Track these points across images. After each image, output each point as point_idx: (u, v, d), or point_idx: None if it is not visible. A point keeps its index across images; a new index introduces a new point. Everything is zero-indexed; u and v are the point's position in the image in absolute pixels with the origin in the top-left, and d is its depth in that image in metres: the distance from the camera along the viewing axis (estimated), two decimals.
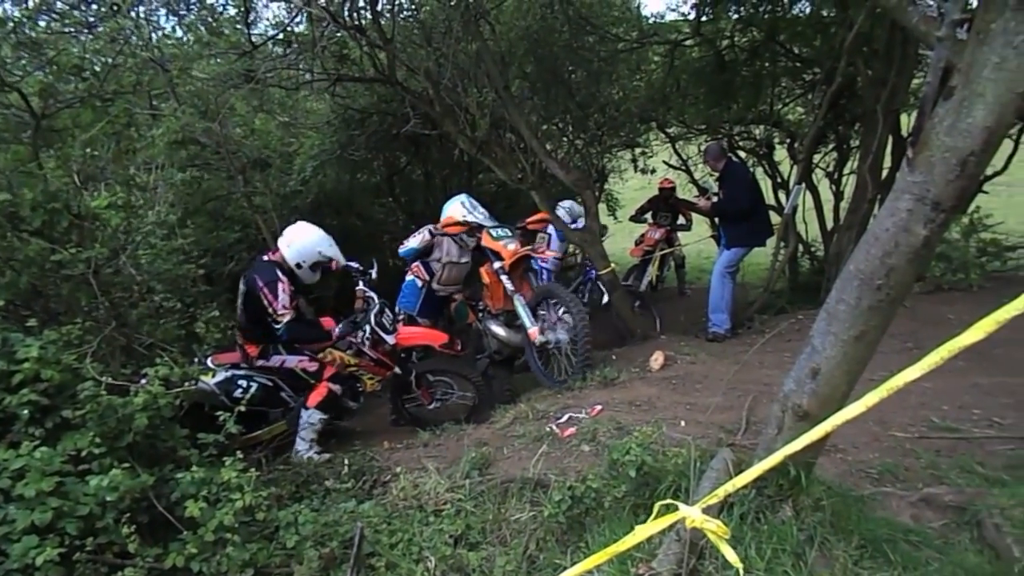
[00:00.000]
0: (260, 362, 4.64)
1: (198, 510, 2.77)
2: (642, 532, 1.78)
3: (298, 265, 4.61)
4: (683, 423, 3.78)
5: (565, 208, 7.24)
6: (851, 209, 6.69)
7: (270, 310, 4.36)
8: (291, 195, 7.44)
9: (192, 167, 6.71)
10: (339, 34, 6.05)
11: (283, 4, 6.14)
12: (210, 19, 6.30)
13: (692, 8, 7.53)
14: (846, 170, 8.31)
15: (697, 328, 6.66)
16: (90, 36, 4.98)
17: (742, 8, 7.41)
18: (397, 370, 5.11)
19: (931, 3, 2.57)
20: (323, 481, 3.83)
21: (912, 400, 3.90)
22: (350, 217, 8.51)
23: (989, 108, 1.80)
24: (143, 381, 3.20)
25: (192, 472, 2.90)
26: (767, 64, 7.91)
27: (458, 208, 5.77)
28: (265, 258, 4.68)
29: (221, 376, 4.52)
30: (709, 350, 5.41)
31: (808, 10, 7.49)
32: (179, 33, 6.57)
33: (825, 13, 7.19)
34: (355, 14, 5.77)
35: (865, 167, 6.35)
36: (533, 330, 5.25)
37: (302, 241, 4.66)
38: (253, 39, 5.96)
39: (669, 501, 1.81)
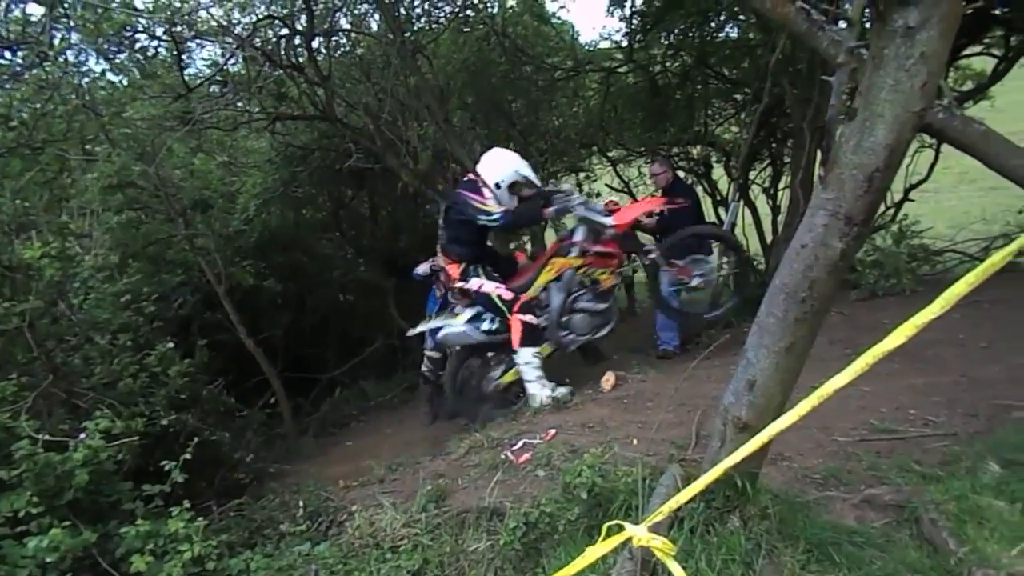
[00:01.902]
0: (459, 284, 4.82)
1: (144, 564, 2.70)
2: (591, 554, 1.81)
3: (497, 185, 4.74)
4: (635, 441, 3.82)
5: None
6: (786, 223, 6.93)
7: (482, 208, 4.57)
8: (235, 235, 7.34)
9: (129, 211, 6.57)
10: (276, 73, 6.06)
11: (218, 45, 6.07)
12: (142, 61, 6.23)
13: (624, 36, 7.76)
14: (781, 185, 8.60)
15: (648, 346, 6.75)
16: (17, 85, 4.88)
17: (672, 34, 7.66)
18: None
19: (838, 28, 2.73)
20: (277, 525, 3.76)
21: (852, 404, 4.02)
22: (297, 254, 8.43)
23: (889, 127, 1.92)
24: (83, 436, 3.11)
25: (137, 526, 2.83)
26: (699, 87, 8.18)
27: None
28: (465, 179, 4.89)
29: (468, 314, 4.80)
30: (659, 367, 5.49)
31: (735, 34, 7.81)
32: (111, 77, 6.49)
33: (751, 36, 7.49)
34: (291, 52, 5.79)
35: (796, 182, 6.60)
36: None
37: (501, 160, 4.85)
38: (188, 80, 5.92)
39: (617, 522, 1.85)
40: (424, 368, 6.48)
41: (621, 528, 1.88)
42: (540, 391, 4.69)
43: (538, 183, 5.03)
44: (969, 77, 8.03)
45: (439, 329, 6.16)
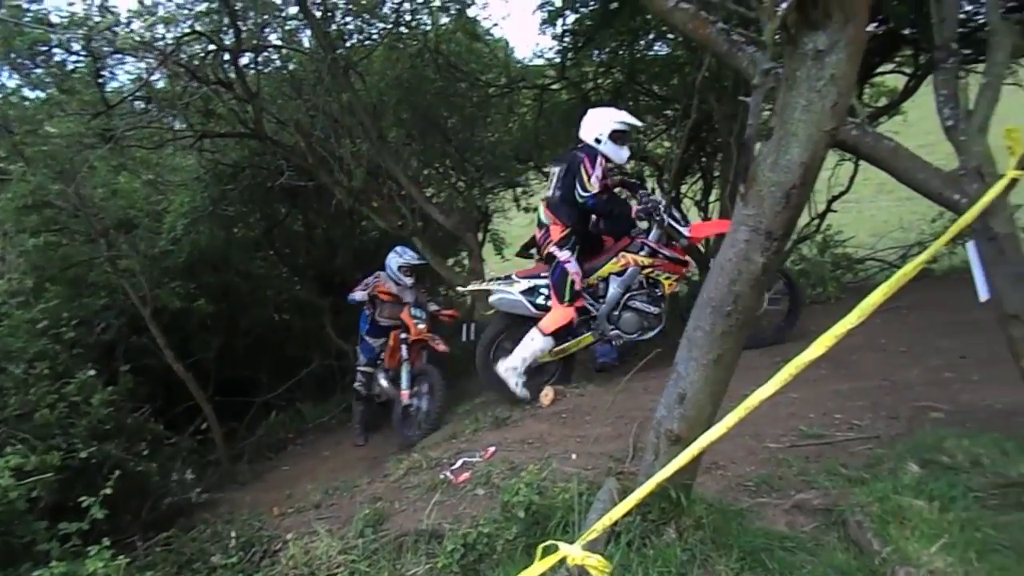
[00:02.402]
0: (552, 248, 4.91)
1: None
2: None
3: (597, 140, 4.88)
4: (574, 456, 3.84)
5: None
6: (717, 237, 7.11)
7: (584, 180, 4.69)
8: (162, 255, 7.08)
9: (47, 232, 6.26)
10: (203, 89, 5.90)
11: (140, 60, 5.87)
12: (60, 76, 5.97)
13: (557, 53, 7.86)
14: (712, 198, 8.84)
15: (586, 360, 6.81)
16: None
17: (603, 52, 7.80)
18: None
19: (755, 50, 2.83)
20: (208, 558, 3.62)
21: (783, 411, 4.14)
22: (229, 274, 8.20)
23: (803, 146, 1.99)
24: None
25: (51, 568, 2.67)
26: (630, 103, 8.32)
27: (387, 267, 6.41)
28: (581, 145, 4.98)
29: (525, 285, 4.93)
30: (597, 381, 5.53)
31: (664, 52, 8.00)
32: (26, 92, 6.20)
33: (679, 54, 7.69)
34: (219, 69, 5.66)
35: (726, 196, 6.79)
36: (405, 392, 6.07)
37: (595, 117, 5.02)
38: (109, 96, 5.71)
39: (551, 541, 1.85)
40: (357, 384, 6.50)
41: (556, 547, 1.87)
42: (515, 373, 4.85)
43: (638, 123, 5.31)
44: (883, 93, 8.45)
45: (379, 338, 6.18)
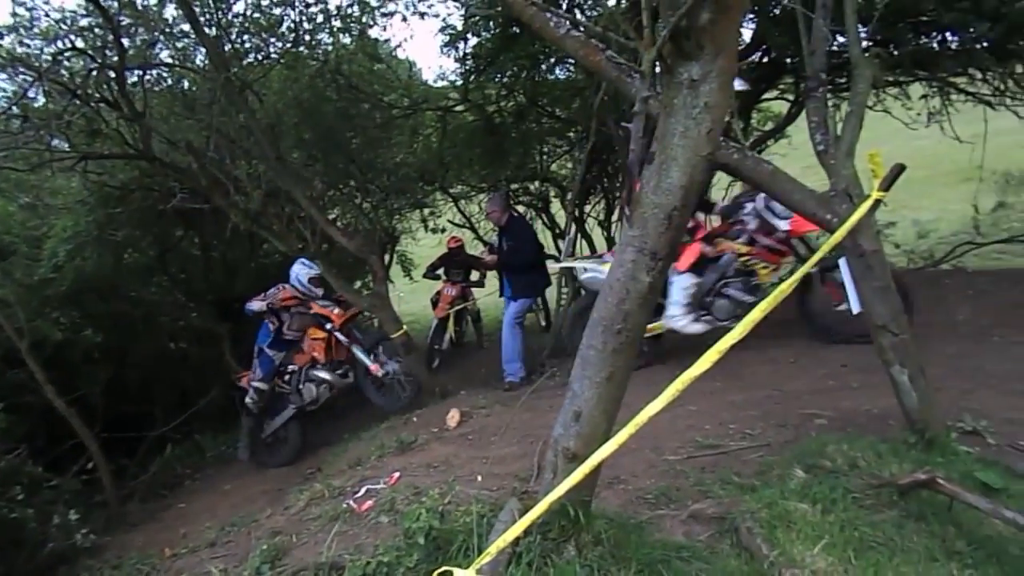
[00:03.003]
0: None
1: None
2: None
3: None
4: (479, 478, 3.83)
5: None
6: None
7: None
8: (41, 284, 6.59)
9: None
10: (85, 108, 5.58)
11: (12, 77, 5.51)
12: None
13: (460, 75, 7.93)
14: (614, 217, 9.11)
15: (496, 379, 6.84)
16: None
17: (505, 75, 7.93)
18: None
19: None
20: None
21: (681, 424, 4.28)
22: (118, 302, 7.73)
23: (682, 170, 2.09)
24: None
25: None
26: (533, 125, 8.53)
27: (293, 279, 6.41)
28: None
29: None
30: (503, 400, 5.57)
31: (563, 76, 8.22)
32: None
33: (579, 78, 7.91)
34: (102, 87, 5.38)
35: (624, 215, 6.99)
36: (374, 366, 6.24)
37: None
38: None
39: (445, 568, 1.83)
40: (249, 400, 6.32)
41: (451, 573, 1.86)
42: (683, 318, 4.95)
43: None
44: (769, 118, 8.98)
45: (281, 351, 6.00)
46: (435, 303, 9.15)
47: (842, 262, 4.64)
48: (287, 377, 6.53)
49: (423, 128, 8.98)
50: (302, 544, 3.55)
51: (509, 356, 6.42)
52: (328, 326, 6.47)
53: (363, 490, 3.99)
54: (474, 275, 9.33)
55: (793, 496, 3.03)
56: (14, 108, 5.55)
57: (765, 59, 7.17)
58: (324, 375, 6.50)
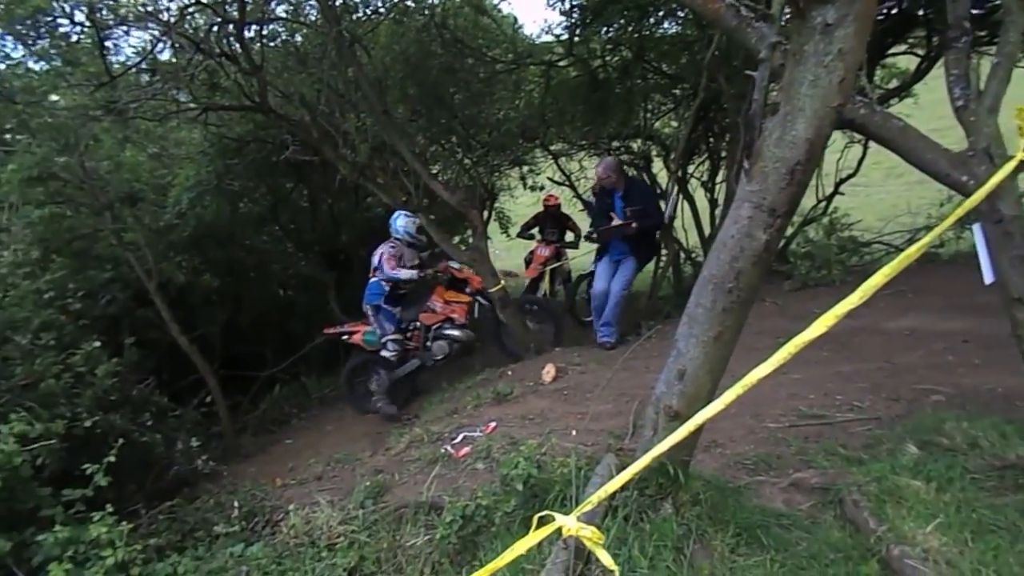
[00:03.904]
0: None
1: (63, 572, 2.59)
2: (521, 546, 1.82)
3: None
4: (574, 432, 3.86)
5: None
6: (723, 216, 7.06)
7: None
8: (167, 229, 7.07)
9: (52, 204, 6.28)
10: (208, 61, 5.86)
11: (144, 31, 5.84)
12: (64, 47, 5.93)
13: (564, 30, 7.77)
14: (719, 179, 8.78)
15: (587, 340, 6.82)
16: None
17: (611, 29, 7.71)
18: None
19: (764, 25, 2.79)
20: (211, 527, 3.67)
21: (783, 392, 4.15)
22: (234, 249, 8.21)
23: (809, 121, 1.97)
24: None
25: (56, 532, 2.71)
26: (638, 81, 8.24)
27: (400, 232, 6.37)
28: None
29: None
30: (599, 359, 5.55)
31: (673, 30, 7.90)
32: (30, 63, 6.17)
33: (688, 32, 7.60)
34: (224, 41, 5.62)
35: (732, 176, 6.74)
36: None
37: None
38: (113, 68, 5.68)
39: (547, 512, 1.86)
40: (387, 352, 6.31)
41: (552, 518, 1.89)
42: None
43: None
44: (895, 75, 8.35)
45: (398, 306, 6.34)
46: (528, 262, 9.16)
47: (976, 228, 4.30)
48: (408, 334, 6.65)
49: (526, 84, 8.88)
50: (402, 483, 3.71)
51: (611, 318, 6.33)
52: (468, 290, 6.65)
53: (460, 437, 4.10)
54: (569, 236, 9.25)
55: (905, 472, 2.88)
56: (143, 64, 5.91)
57: (895, 10, 6.63)
58: (456, 333, 6.61)
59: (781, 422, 3.81)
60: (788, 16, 2.08)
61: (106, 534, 2.73)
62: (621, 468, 2.86)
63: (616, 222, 6.19)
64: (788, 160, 2.04)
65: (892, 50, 7.58)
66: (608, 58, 8.19)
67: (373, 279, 6.33)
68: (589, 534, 1.74)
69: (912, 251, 2.40)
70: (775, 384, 4.22)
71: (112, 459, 3.14)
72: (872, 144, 8.69)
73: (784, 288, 6.42)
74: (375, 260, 6.23)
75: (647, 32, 7.68)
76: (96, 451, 3.58)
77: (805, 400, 4.05)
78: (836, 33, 1.90)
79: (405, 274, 6.18)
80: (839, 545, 2.56)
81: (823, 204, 8.37)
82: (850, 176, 8.51)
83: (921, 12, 6.38)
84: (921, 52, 7.39)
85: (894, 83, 8.20)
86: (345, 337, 6.70)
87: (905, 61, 8.08)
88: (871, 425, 3.64)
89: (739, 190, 2.20)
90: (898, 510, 2.65)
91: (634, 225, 6.06)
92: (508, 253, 12.41)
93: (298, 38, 7.09)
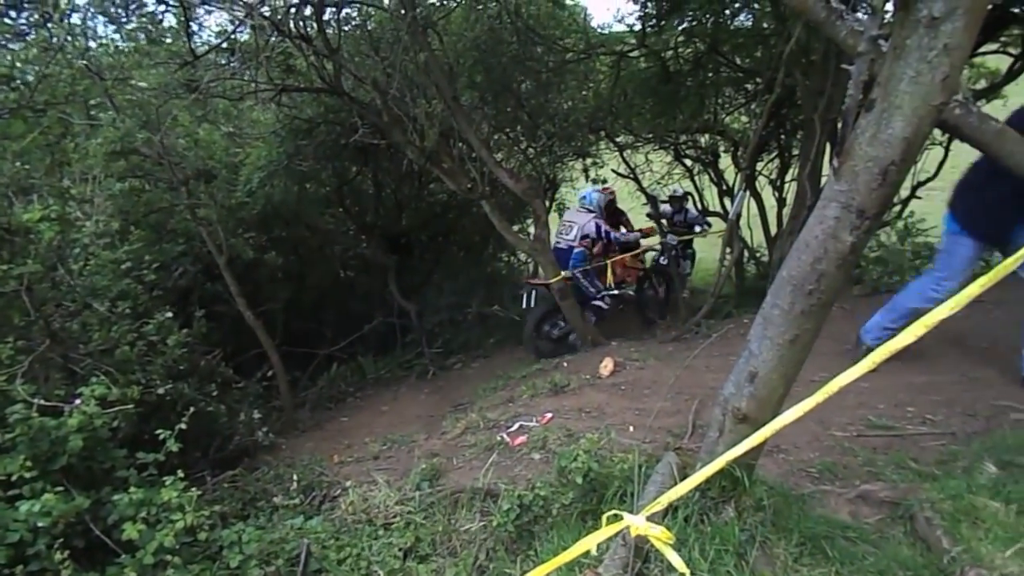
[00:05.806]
0: None
1: (136, 532, 2.70)
2: (589, 542, 1.80)
3: None
4: (631, 428, 3.82)
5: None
6: (792, 215, 6.87)
7: None
8: (237, 207, 7.28)
9: (132, 178, 6.52)
10: (284, 43, 5.97)
11: (226, 13, 5.98)
12: (150, 27, 6.14)
13: (638, 20, 7.63)
14: (788, 177, 8.55)
15: (646, 333, 6.76)
16: (22, 45, 4.81)
17: (686, 20, 7.54)
18: None
19: (858, 17, 2.68)
20: (271, 498, 3.77)
21: (850, 400, 4.02)
22: (299, 228, 8.40)
23: (907, 119, 1.88)
24: (78, 401, 3.10)
25: (130, 493, 2.82)
26: (711, 74, 8.07)
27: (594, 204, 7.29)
28: None
29: None
30: (657, 355, 5.48)
31: (749, 22, 7.68)
32: (118, 41, 6.40)
33: (765, 25, 7.38)
34: (300, 23, 5.71)
35: (804, 175, 6.53)
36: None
37: None
38: (195, 48, 5.84)
39: (615, 511, 1.84)
40: (604, 304, 7.09)
41: (619, 516, 1.86)
42: None
43: None
44: (983, 75, 7.95)
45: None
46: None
47: None
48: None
49: (595, 74, 8.78)
50: (458, 468, 3.74)
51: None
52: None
53: (516, 425, 4.11)
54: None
55: (982, 492, 2.76)
56: (222, 44, 6.05)
57: (989, 7, 6.29)
58: (620, 292, 7.43)
59: (848, 431, 3.70)
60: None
61: (176, 498, 2.83)
62: (681, 467, 2.82)
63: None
64: (882, 160, 1.95)
65: (982, 49, 7.21)
66: (681, 50, 8.03)
67: (579, 249, 6.94)
68: (659, 534, 1.71)
69: (1010, 262, 2.27)
70: (843, 392, 4.05)
71: (183, 426, 3.24)
72: (953, 147, 8.35)
73: (853, 292, 6.21)
74: (586, 231, 6.98)
75: (722, 24, 7.49)
76: (164, 418, 3.73)
77: (874, 410, 3.92)
78: (943, 27, 1.80)
79: (633, 236, 7.46)
80: (909, 563, 2.47)
81: (898, 208, 8.05)
82: (928, 180, 8.16)
83: (1017, 9, 6.05)
84: (1014, 51, 7.02)
85: (982, 83, 7.81)
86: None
87: (995, 60, 7.69)
88: (945, 440, 3.50)
89: (826, 189, 2.12)
90: (974, 531, 2.53)
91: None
92: None
93: (372, 23, 7.15)
